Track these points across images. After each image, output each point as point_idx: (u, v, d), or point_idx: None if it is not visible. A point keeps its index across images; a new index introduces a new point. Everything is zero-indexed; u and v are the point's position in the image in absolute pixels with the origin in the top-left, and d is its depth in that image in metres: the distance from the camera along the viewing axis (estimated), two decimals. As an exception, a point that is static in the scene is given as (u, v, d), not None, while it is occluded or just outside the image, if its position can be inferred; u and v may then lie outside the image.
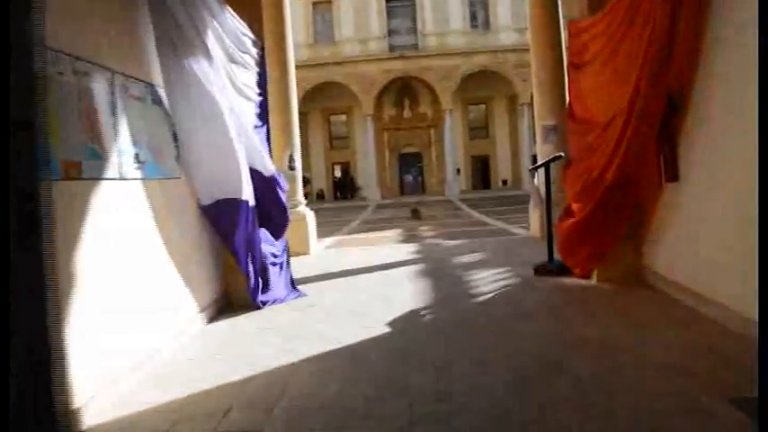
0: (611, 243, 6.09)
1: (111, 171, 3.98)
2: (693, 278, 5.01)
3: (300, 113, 35.72)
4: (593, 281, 6.36)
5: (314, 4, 36.74)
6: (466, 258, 8.56)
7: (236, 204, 5.61)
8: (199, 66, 5.04)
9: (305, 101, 35.65)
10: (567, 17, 6.28)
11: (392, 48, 36.20)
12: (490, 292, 6.32)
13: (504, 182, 38.75)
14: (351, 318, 5.54)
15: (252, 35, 6.29)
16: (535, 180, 7.90)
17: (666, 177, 5.32)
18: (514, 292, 6.26)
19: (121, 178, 4.13)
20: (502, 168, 39.19)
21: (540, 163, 6.03)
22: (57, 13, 3.26)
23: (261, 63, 6.65)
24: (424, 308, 5.80)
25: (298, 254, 10.40)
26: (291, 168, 10.83)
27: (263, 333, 5.21)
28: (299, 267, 8.40)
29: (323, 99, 37.14)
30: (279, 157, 10.73)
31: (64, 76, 3.46)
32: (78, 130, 3.62)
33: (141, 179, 4.44)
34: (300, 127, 35.85)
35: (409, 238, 13.73)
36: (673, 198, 5.37)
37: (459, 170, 37.39)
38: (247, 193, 5.68)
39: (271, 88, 10.85)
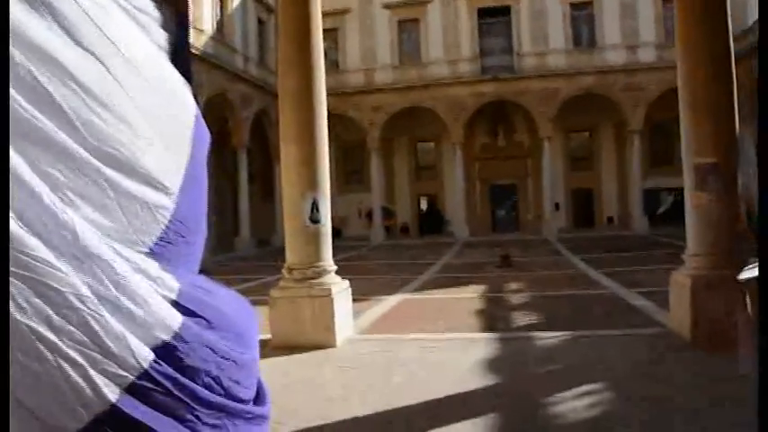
0: None
1: None
2: None
3: (384, 140, 33.26)
4: None
5: (399, 22, 33.84)
6: (569, 405, 4.83)
7: None
8: None
9: (389, 127, 32.86)
10: None
11: (484, 69, 32.61)
12: None
13: (610, 219, 34.19)
14: None
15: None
16: (746, 305, 3.91)
17: None
18: None
19: None
20: (607, 204, 34.68)
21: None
22: None
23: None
24: None
25: (316, 347, 7.18)
26: (315, 221, 7.61)
27: None
28: (299, 384, 5.18)
29: (409, 125, 34.05)
30: (296, 206, 7.59)
31: None
32: None
33: None
34: (384, 155, 33.44)
35: (490, 309, 10.23)
36: None
37: (558, 205, 33.23)
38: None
39: (285, 104, 7.75)
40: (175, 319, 1.83)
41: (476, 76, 32.43)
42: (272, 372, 6.42)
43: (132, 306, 1.74)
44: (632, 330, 7.66)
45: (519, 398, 5.08)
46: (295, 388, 5.77)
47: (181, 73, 2.55)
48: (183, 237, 2.10)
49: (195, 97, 2.71)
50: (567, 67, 31.80)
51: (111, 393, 1.60)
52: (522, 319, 9.31)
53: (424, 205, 37.40)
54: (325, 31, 31.64)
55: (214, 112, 26.04)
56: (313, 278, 7.60)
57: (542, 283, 13.42)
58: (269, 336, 7.74)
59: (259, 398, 1.99)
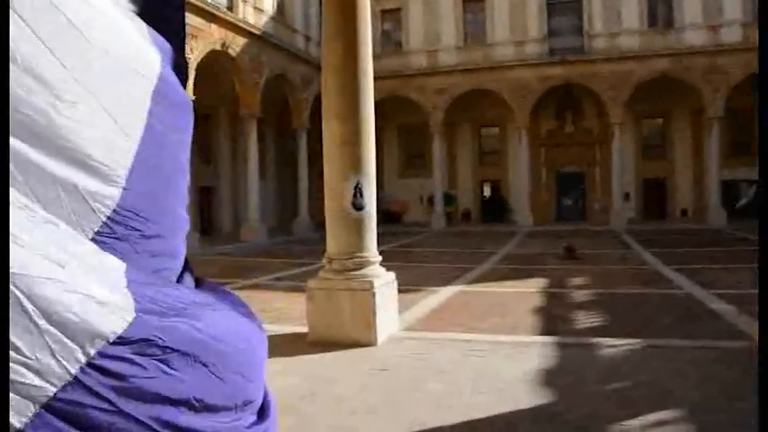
0: None
1: None
2: None
3: (447, 124, 32.37)
4: None
5: (464, 1, 32.67)
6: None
7: None
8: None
9: (452, 110, 31.96)
10: None
11: (552, 51, 31.27)
12: None
13: (684, 212, 32.39)
14: None
15: None
16: None
17: None
18: None
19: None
20: (681, 195, 32.86)
21: None
22: None
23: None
24: None
25: (355, 344, 6.60)
26: (358, 208, 6.98)
27: None
28: (323, 389, 4.58)
29: (472, 109, 33.04)
30: (337, 189, 7.00)
31: None
32: None
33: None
34: (447, 139, 32.69)
35: (550, 307, 9.44)
36: None
37: (628, 195, 31.69)
38: None
39: (328, 78, 7.13)
40: (123, 313, 1.28)
41: (543, 58, 31.10)
42: (300, 370, 5.88)
43: (55, 294, 1.18)
44: (712, 342, 6.70)
45: (574, 424, 4.31)
46: (318, 393, 5.19)
47: (169, 29, 1.91)
48: (138, 230, 1.48)
49: (184, 57, 2.11)
50: (640, 48, 30.04)
51: (18, 417, 1.08)
52: (584, 320, 8.48)
53: (487, 192, 36.36)
54: (388, 11, 30.86)
55: (274, 92, 25.81)
56: (354, 270, 6.99)
57: (608, 279, 12.49)
58: (306, 329, 7.21)
59: (263, 410, 1.57)
